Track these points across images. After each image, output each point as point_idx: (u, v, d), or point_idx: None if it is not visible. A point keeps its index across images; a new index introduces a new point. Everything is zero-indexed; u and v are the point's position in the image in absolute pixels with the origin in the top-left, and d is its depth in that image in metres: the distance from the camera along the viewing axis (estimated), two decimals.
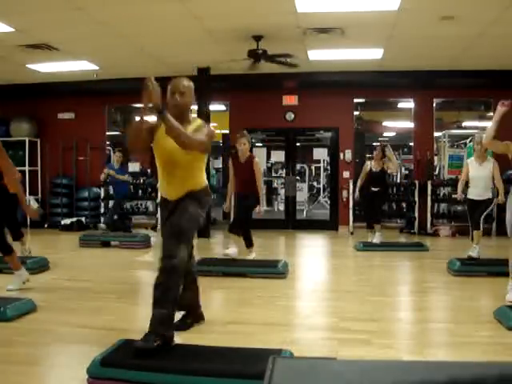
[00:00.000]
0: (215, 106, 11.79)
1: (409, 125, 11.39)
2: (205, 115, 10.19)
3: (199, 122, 3.56)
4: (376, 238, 8.40)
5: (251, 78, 10.09)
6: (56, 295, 5.09)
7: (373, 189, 8.42)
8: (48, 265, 6.24)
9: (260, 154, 12.04)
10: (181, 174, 3.44)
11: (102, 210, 11.34)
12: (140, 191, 11.39)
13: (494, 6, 6.29)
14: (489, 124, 10.53)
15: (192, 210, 3.43)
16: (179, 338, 3.66)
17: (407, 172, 12.92)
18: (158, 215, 10.88)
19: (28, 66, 9.32)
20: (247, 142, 6.59)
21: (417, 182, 10.37)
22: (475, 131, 11.88)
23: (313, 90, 10.60)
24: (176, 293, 3.23)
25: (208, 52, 8.75)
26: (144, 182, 11.42)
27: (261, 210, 6.86)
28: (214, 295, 5.61)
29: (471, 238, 7.02)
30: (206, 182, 3.61)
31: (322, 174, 15.98)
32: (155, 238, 8.67)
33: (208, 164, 11.28)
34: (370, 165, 8.47)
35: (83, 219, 10.99)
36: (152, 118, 3.28)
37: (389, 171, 8.71)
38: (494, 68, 9.49)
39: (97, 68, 9.71)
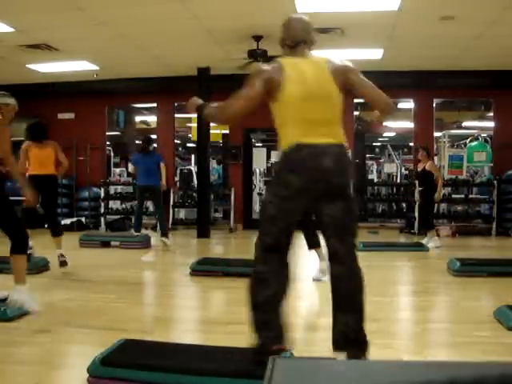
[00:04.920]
0: None
1: (409, 125, 11.39)
2: None
3: None
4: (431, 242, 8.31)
5: None
6: (56, 295, 5.09)
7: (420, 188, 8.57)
8: (48, 265, 6.24)
9: (260, 154, 12.08)
10: None
11: (102, 210, 11.36)
12: None
13: (493, 6, 6.30)
14: (488, 124, 10.53)
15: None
16: (180, 338, 3.67)
17: (407, 172, 12.92)
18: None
19: (28, 66, 9.33)
20: None
21: (417, 182, 10.36)
22: (475, 131, 11.90)
23: None
24: None
25: (208, 52, 8.76)
26: None
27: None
28: (213, 295, 5.62)
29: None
30: (292, 140, 2.64)
31: None
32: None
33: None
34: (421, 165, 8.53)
35: (83, 219, 10.99)
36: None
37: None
38: (493, 68, 9.50)
39: (97, 68, 9.72)
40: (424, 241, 8.38)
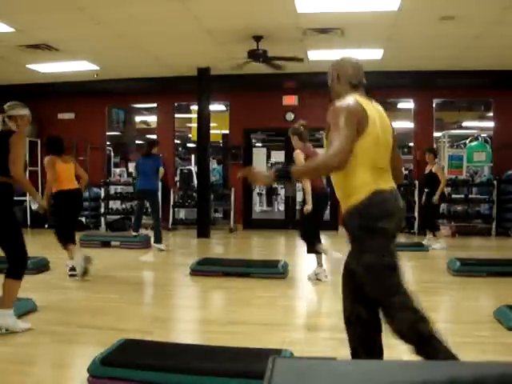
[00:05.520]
0: (215, 106, 11.80)
1: (409, 125, 11.38)
2: (205, 115, 10.22)
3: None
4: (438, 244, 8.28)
5: (251, 78, 10.10)
6: (56, 295, 5.10)
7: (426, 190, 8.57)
8: (48, 265, 6.24)
9: (260, 154, 12.08)
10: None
11: (102, 210, 11.35)
12: None
13: (493, 6, 6.30)
14: (488, 124, 10.46)
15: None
16: (180, 338, 3.67)
17: (407, 172, 12.92)
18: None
19: (28, 66, 9.33)
20: None
21: (416, 182, 10.36)
22: (475, 131, 11.90)
23: (313, 90, 10.60)
24: None
25: (208, 52, 8.76)
26: None
27: None
28: (214, 295, 5.63)
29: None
30: (371, 186, 2.50)
31: None
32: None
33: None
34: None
35: (83, 219, 10.98)
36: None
37: None
38: (494, 68, 9.50)
39: (97, 68, 9.72)
40: (424, 241, 8.38)
